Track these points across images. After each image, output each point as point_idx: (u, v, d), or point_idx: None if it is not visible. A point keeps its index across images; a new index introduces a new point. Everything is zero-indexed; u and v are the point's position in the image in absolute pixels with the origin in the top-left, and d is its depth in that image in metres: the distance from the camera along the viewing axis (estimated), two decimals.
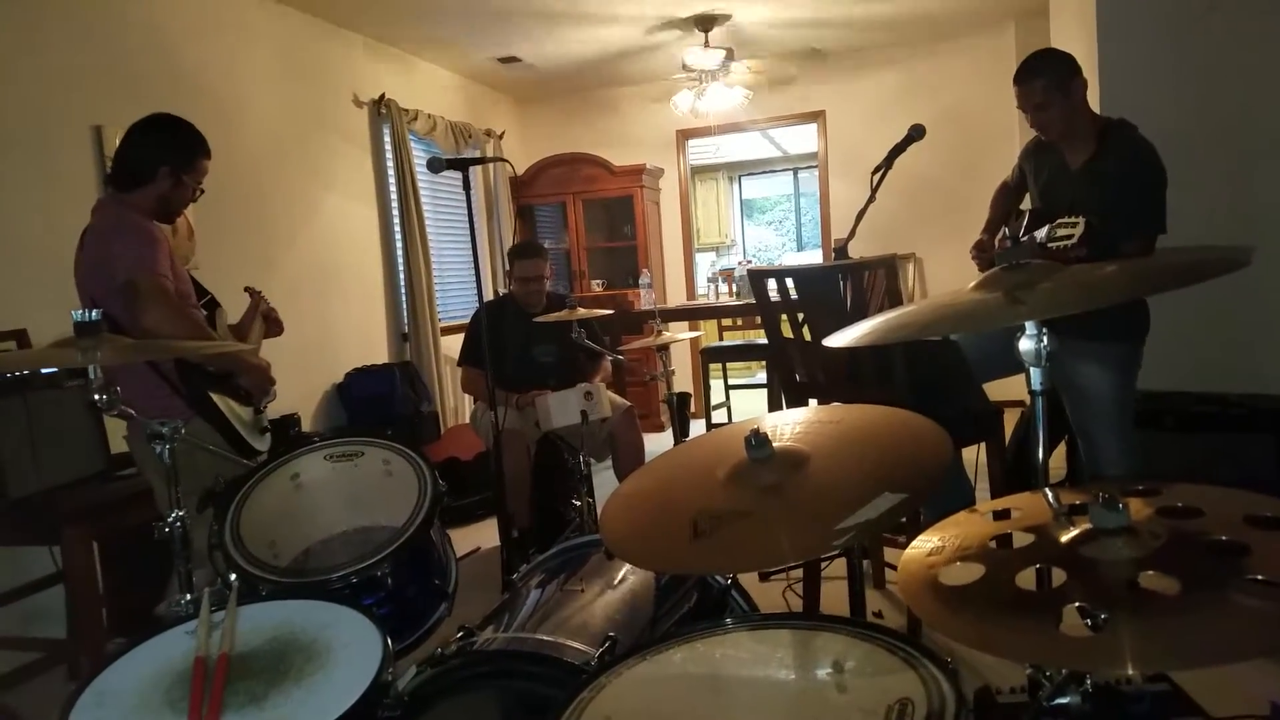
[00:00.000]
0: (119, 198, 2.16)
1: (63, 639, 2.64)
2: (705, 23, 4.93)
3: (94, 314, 1.42)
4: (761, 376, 6.05)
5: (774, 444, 1.21)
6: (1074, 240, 2.13)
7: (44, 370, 2.52)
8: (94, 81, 3.17)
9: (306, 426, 4.06)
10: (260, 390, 2.28)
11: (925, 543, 1.04)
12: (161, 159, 2.14)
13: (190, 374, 2.10)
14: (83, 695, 1.12)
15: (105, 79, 3.19)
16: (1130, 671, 0.78)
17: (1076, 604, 0.83)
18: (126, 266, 2.00)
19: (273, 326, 2.55)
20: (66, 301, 2.08)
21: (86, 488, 2.54)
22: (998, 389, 2.46)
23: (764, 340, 2.99)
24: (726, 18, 4.91)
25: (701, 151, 8.55)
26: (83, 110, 3.12)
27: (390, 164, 4.90)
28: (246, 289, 2.56)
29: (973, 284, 1.14)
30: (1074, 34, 3.63)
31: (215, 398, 2.11)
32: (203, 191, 2.28)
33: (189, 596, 1.44)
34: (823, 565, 2.58)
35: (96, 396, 1.45)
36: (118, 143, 2.25)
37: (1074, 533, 0.93)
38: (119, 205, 2.14)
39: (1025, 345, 1.08)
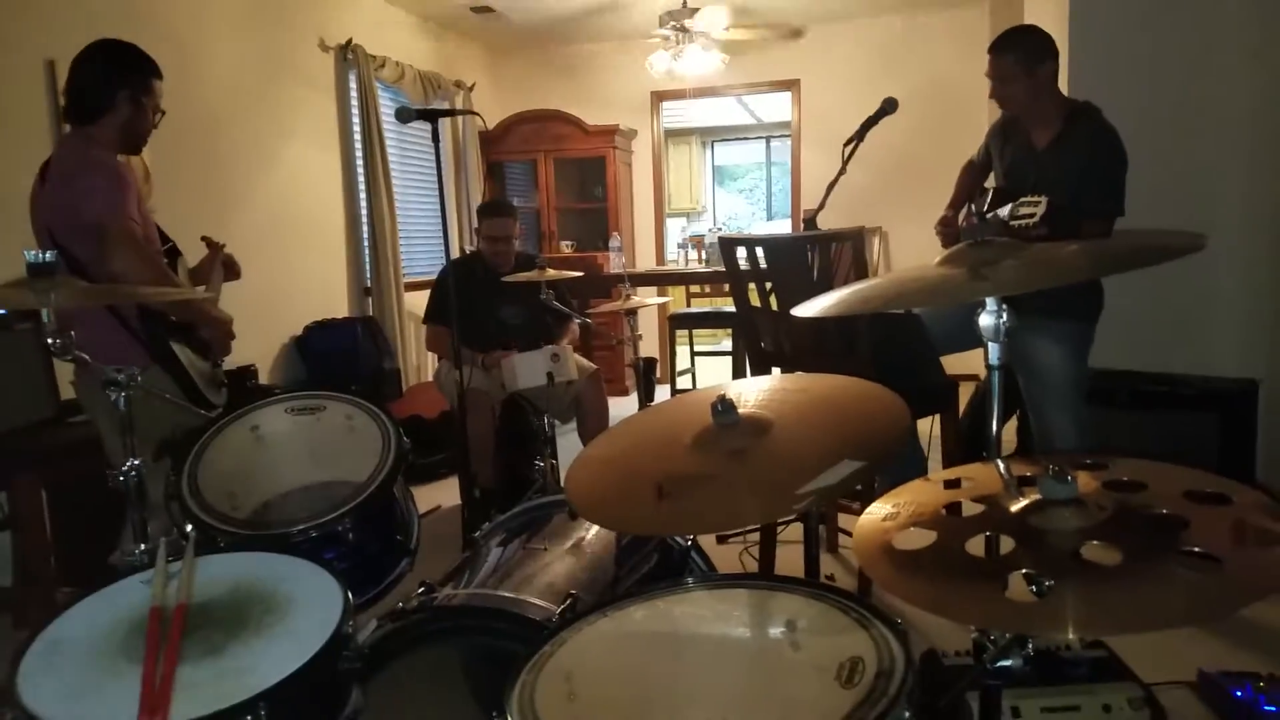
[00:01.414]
0: (84, 132, 2.08)
1: (8, 586, 2.60)
2: None
3: (49, 255, 1.38)
4: (727, 344, 6.09)
5: (740, 410, 1.23)
6: (1036, 219, 2.17)
7: None
8: (47, 13, 3.03)
9: (264, 379, 4.00)
10: (221, 344, 2.25)
11: (881, 508, 1.07)
12: (118, 84, 2.08)
13: (152, 322, 2.06)
14: (34, 644, 1.10)
15: (59, 11, 3.06)
16: (1071, 635, 0.82)
17: (1024, 571, 0.86)
18: (95, 208, 1.95)
19: (230, 271, 2.50)
20: (17, 241, 2.01)
21: (36, 433, 2.49)
22: (952, 363, 2.51)
23: (731, 308, 3.01)
24: None
25: (675, 115, 8.48)
26: (34, 44, 3.00)
27: (355, 112, 4.78)
28: (204, 239, 2.51)
29: (938, 259, 1.16)
30: (1047, 13, 3.65)
31: (175, 348, 2.07)
32: (163, 114, 2.21)
33: (144, 546, 1.42)
34: (779, 529, 2.63)
35: (50, 340, 1.41)
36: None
37: (1024, 503, 0.96)
38: (85, 141, 2.07)
39: (985, 321, 1.10)
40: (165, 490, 1.55)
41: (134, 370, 1.46)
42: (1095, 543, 0.89)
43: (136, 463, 1.47)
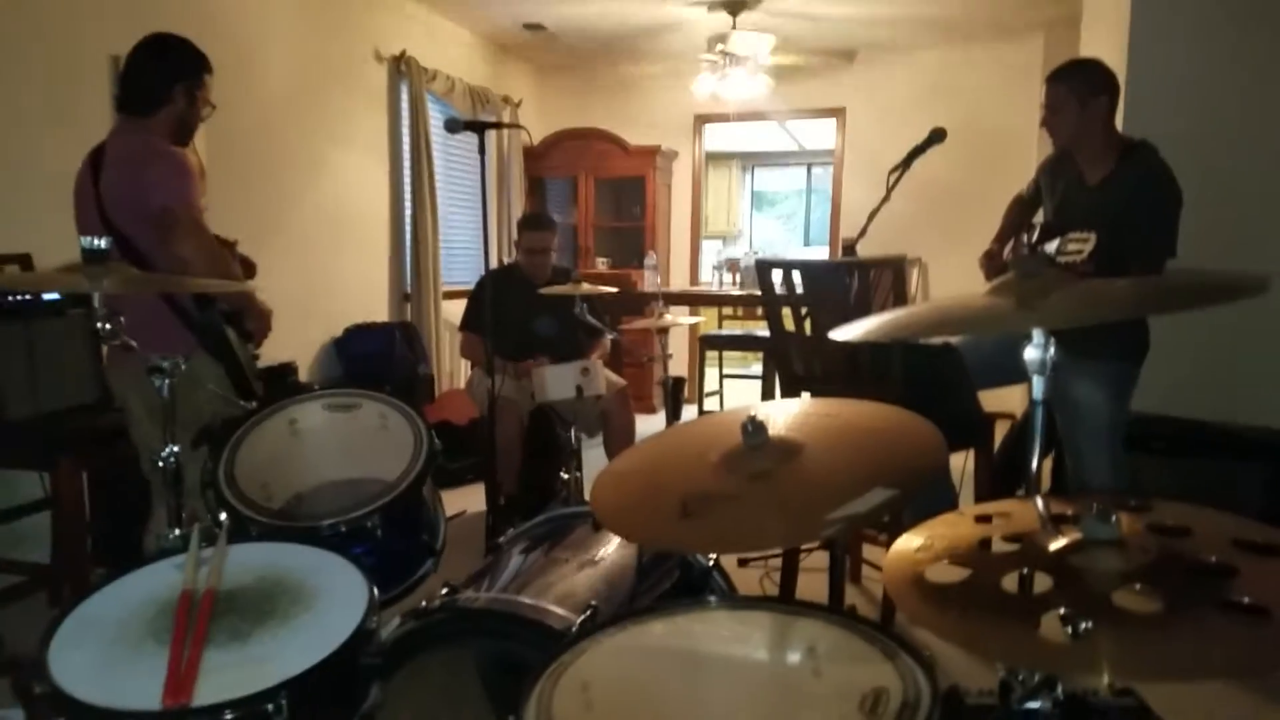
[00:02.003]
0: (139, 123, 2.13)
1: (46, 564, 2.65)
2: (733, 7, 4.89)
3: (102, 241, 1.41)
4: (756, 368, 6.06)
5: (769, 432, 1.22)
6: (1084, 255, 2.14)
7: (47, 297, 2.51)
8: (112, 13, 3.14)
9: (303, 377, 4.06)
10: (261, 334, 2.28)
11: (913, 540, 1.05)
12: (175, 78, 2.13)
13: (209, 308, 2.11)
14: (65, 620, 1.12)
15: (124, 10, 3.16)
16: (1106, 680, 0.80)
17: (1060, 611, 0.84)
18: (163, 196, 2.00)
19: (247, 270, 2.52)
20: (73, 229, 2.07)
21: (81, 416, 2.54)
22: (989, 399, 2.48)
23: (764, 331, 3.00)
24: (757, 3, 4.86)
25: (717, 138, 8.51)
26: (100, 40, 3.10)
27: (405, 122, 4.87)
28: (214, 237, 2.55)
29: (986, 289, 1.15)
30: (1104, 47, 3.61)
31: (230, 334, 2.12)
32: (213, 108, 2.27)
33: (178, 531, 1.44)
34: (802, 556, 2.60)
35: (100, 325, 1.44)
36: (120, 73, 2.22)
37: (1063, 542, 0.94)
38: (143, 131, 2.11)
39: (1030, 354, 1.08)
40: (201, 477, 1.57)
41: (178, 359, 1.48)
42: (1136, 587, 0.87)
43: (176, 449, 1.49)
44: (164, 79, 2.12)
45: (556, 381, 3.20)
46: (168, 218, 1.98)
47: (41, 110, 2.91)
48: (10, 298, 2.43)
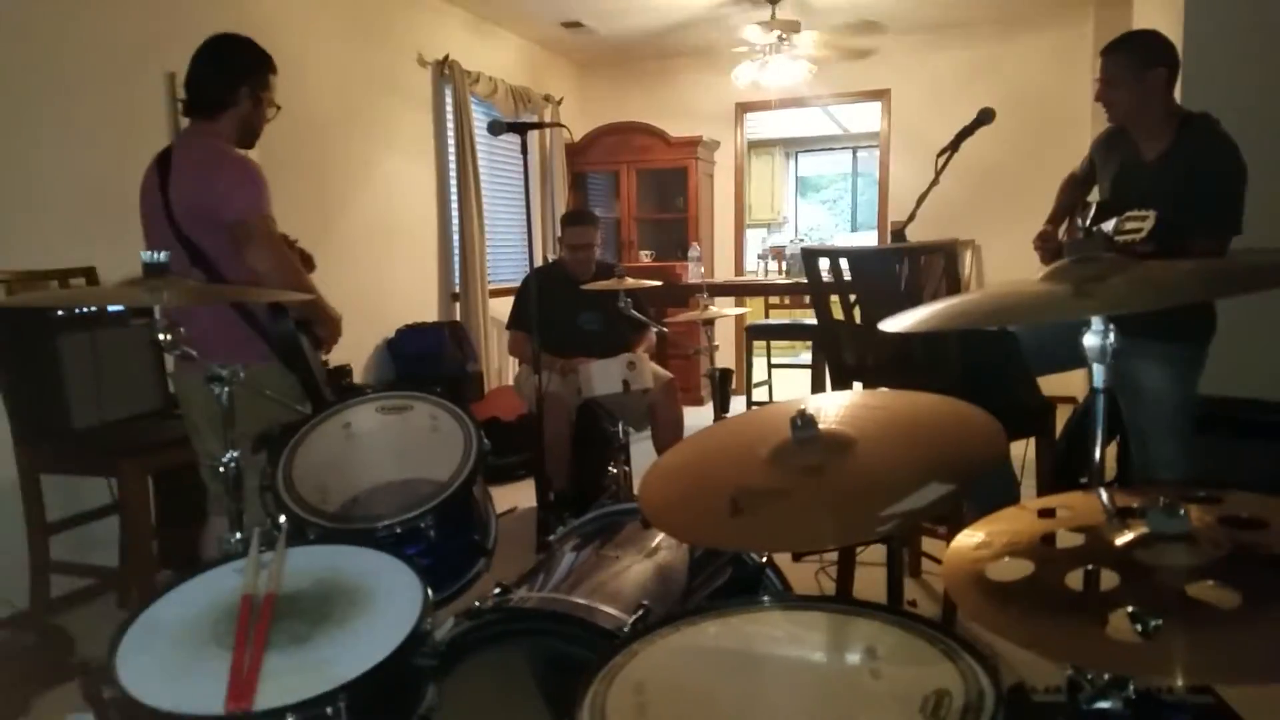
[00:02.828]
0: (205, 128, 2.10)
1: (115, 567, 2.74)
2: None
3: (162, 255, 1.45)
4: (805, 357, 5.99)
5: (820, 426, 1.20)
6: (1143, 234, 2.06)
7: (111, 308, 2.59)
8: (168, 29, 3.22)
9: (357, 379, 4.14)
10: (331, 340, 2.27)
11: (972, 536, 1.02)
12: (240, 80, 2.10)
13: (282, 318, 2.09)
14: (132, 626, 1.15)
15: (179, 27, 3.23)
16: (1180, 682, 0.77)
17: (1129, 609, 0.81)
18: (237, 205, 1.98)
19: (306, 265, 2.46)
20: (136, 242, 2.10)
21: (145, 423, 2.63)
22: (1049, 384, 2.40)
23: (811, 320, 2.95)
24: None
25: (759, 126, 8.43)
26: (156, 56, 3.19)
27: (450, 125, 4.92)
28: None
29: (1040, 274, 1.11)
30: (1159, 23, 3.47)
31: (303, 343, 2.11)
32: (278, 109, 2.24)
33: (239, 535, 1.48)
34: (859, 550, 2.56)
35: (161, 336, 1.48)
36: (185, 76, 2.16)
37: (1129, 536, 0.91)
38: (211, 137, 2.09)
39: (1090, 341, 1.05)
40: (261, 481, 1.60)
41: (237, 367, 1.51)
42: (1209, 583, 0.83)
43: (236, 454, 1.53)
44: (227, 80, 2.10)
45: (603, 376, 3.21)
46: (241, 231, 1.97)
47: (102, 127, 3.01)
48: (76, 310, 2.51)
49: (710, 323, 3.33)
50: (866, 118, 7.64)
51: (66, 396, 2.46)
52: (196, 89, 2.11)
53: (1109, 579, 0.88)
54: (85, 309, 2.52)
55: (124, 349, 2.61)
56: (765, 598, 1.20)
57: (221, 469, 1.49)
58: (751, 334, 5.34)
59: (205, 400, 1.75)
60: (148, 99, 3.18)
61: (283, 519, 1.48)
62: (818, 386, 4.37)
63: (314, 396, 2.11)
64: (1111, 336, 1.04)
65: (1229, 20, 3.07)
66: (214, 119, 2.10)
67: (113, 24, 3.05)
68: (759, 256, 6.71)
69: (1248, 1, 3.04)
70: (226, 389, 1.48)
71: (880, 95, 6.06)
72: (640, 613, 1.30)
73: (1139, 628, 0.78)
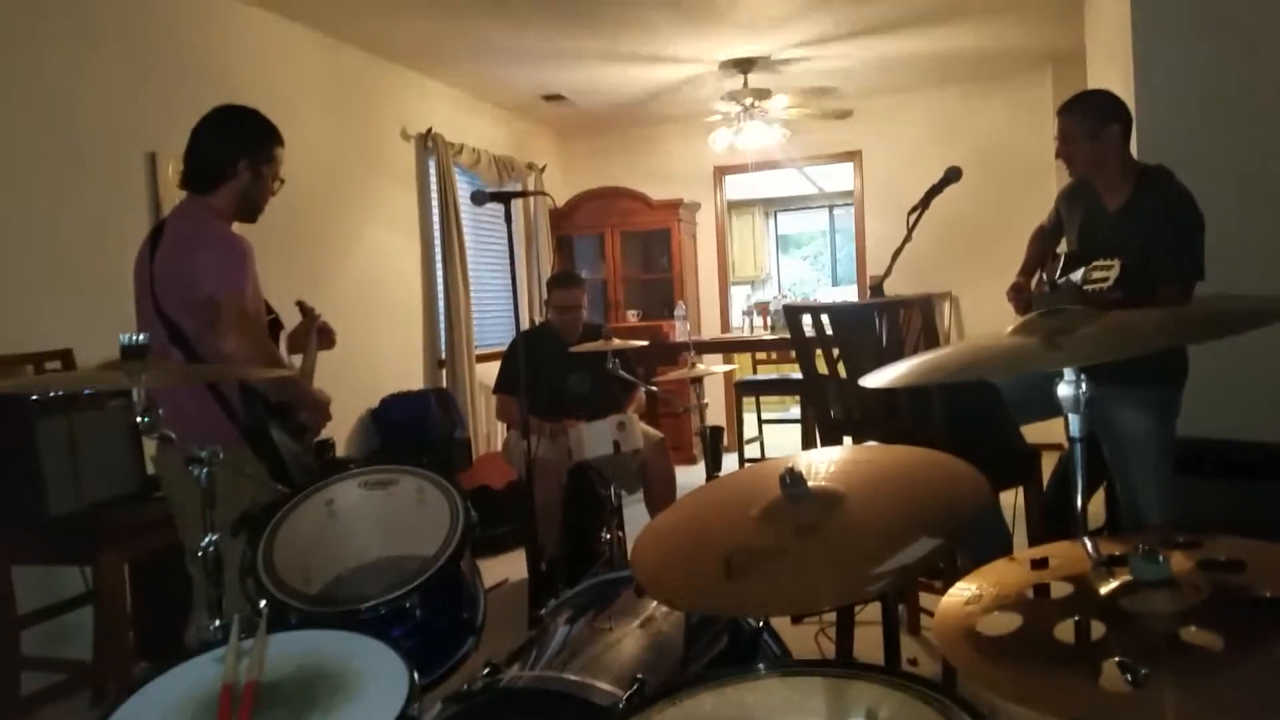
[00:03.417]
0: (201, 201, 2.04)
1: (88, 661, 2.64)
2: (745, 65, 4.98)
3: (141, 337, 1.44)
4: (795, 411, 6.00)
5: (809, 483, 1.20)
6: (1109, 282, 2.10)
7: (87, 390, 2.55)
8: (149, 109, 3.27)
9: (341, 451, 4.11)
10: (317, 426, 2.19)
11: (963, 591, 1.01)
12: (238, 153, 2.03)
13: (252, 402, 2.01)
14: (111, 718, 1.12)
15: (160, 107, 3.29)
16: None
17: (1116, 659, 0.80)
18: (212, 282, 1.91)
19: (325, 339, 2.44)
20: (113, 323, 2.06)
21: (123, 507, 2.55)
22: (1035, 432, 2.42)
23: (798, 374, 2.97)
24: (765, 60, 4.96)
25: (738, 186, 8.59)
26: (136, 137, 3.22)
27: (434, 195, 5.00)
28: (298, 303, 2.47)
29: (1011, 328, 1.13)
30: (1112, 77, 3.60)
31: (274, 432, 2.02)
32: (283, 182, 2.18)
33: (218, 622, 1.44)
34: (857, 610, 2.53)
35: (140, 419, 1.46)
36: (184, 148, 2.09)
37: (1114, 584, 0.91)
38: (202, 209, 2.03)
39: (1063, 391, 1.06)
40: (241, 565, 1.57)
41: (217, 447, 1.50)
42: (1193, 628, 0.83)
43: (215, 538, 1.50)
44: (226, 153, 2.02)
45: (593, 438, 3.20)
46: (211, 309, 1.90)
47: (80, 208, 3.02)
48: (52, 393, 2.46)
49: (699, 380, 3.34)
50: (841, 177, 7.81)
51: (43, 483, 2.40)
52: (194, 162, 2.05)
53: (1097, 629, 0.87)
54: (61, 392, 2.48)
55: (101, 431, 2.55)
56: (761, 665, 1.17)
57: (200, 553, 1.46)
58: (741, 390, 5.36)
59: (189, 487, 1.71)
60: (127, 179, 3.20)
61: (263, 603, 1.45)
62: (808, 439, 4.36)
63: (284, 484, 1.99)
64: (1084, 386, 1.06)
65: (1178, 75, 3.18)
66: (210, 192, 2.04)
67: (92, 104, 3.08)
68: (744, 313, 6.77)
69: (1195, 58, 3.16)
70: (206, 470, 1.46)
71: (852, 156, 6.21)
72: (635, 687, 1.28)
73: (1129, 677, 0.78)
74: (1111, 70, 3.65)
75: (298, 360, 2.36)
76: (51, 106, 2.95)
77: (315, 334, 2.38)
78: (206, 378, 1.94)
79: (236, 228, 2.13)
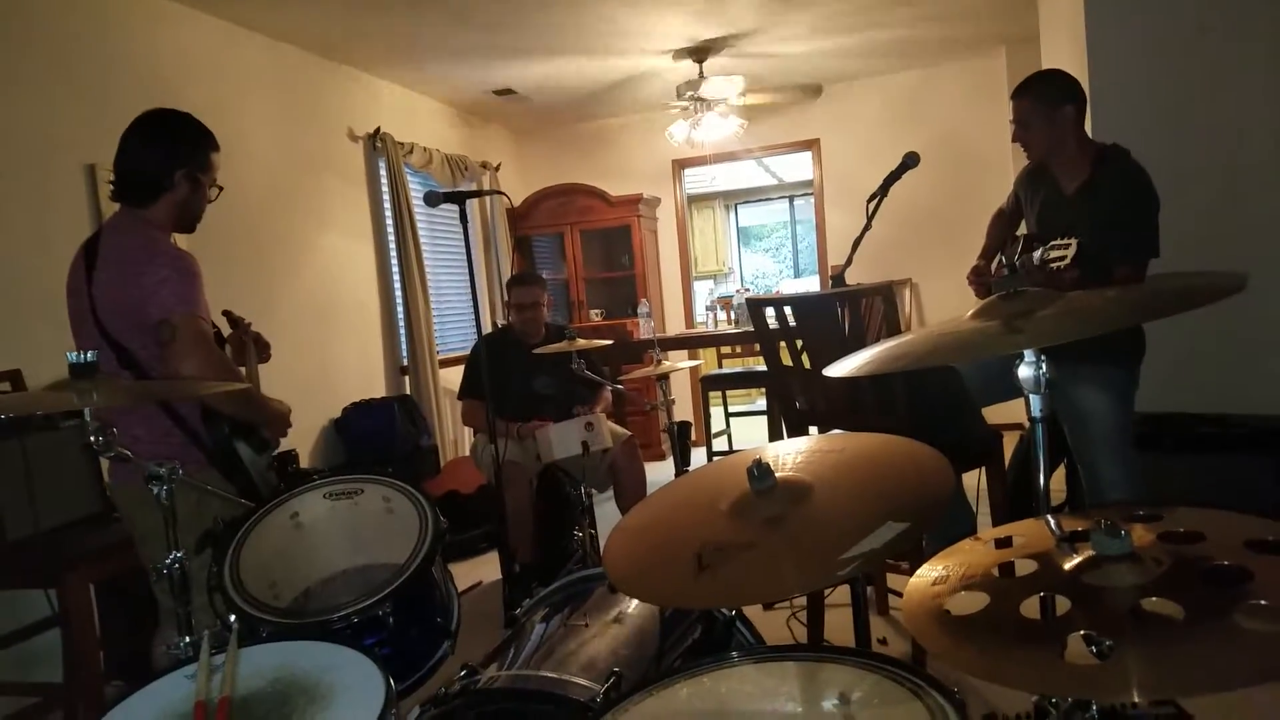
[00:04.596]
0: (138, 215, 1.91)
1: (59, 683, 2.58)
2: (699, 53, 4.99)
3: (89, 355, 1.40)
4: (762, 403, 6.05)
5: (776, 474, 1.21)
6: (1067, 261, 2.15)
7: (38, 412, 2.49)
8: (87, 120, 3.17)
9: (305, 463, 4.05)
10: (277, 437, 2.11)
11: (930, 572, 1.03)
12: (174, 163, 1.90)
13: (215, 423, 1.91)
14: None
15: (98, 117, 3.19)
16: (1137, 699, 0.78)
17: (1082, 632, 0.82)
18: (165, 304, 1.80)
19: (262, 350, 2.30)
20: (62, 342, 1.93)
21: (84, 529, 2.51)
22: (996, 413, 2.46)
23: (764, 367, 3.00)
24: (720, 48, 4.97)
25: (698, 180, 8.62)
26: (76, 149, 3.13)
27: (386, 198, 4.94)
28: (225, 313, 2.32)
29: (970, 312, 1.15)
30: (1065, 59, 3.68)
31: (239, 447, 1.95)
32: (220, 189, 2.06)
33: (188, 639, 1.42)
34: (826, 593, 2.56)
35: (93, 439, 1.43)
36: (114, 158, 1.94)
37: (1077, 560, 0.93)
38: (142, 225, 1.90)
39: (1024, 373, 1.08)
40: (208, 581, 1.55)
41: (174, 464, 1.47)
42: (1154, 599, 0.85)
43: (180, 555, 1.48)
44: (161, 164, 1.89)
45: (561, 439, 3.19)
46: (166, 331, 1.79)
47: (21, 223, 2.93)
48: (2, 417, 2.39)
49: (665, 377, 3.35)
50: (800, 168, 7.88)
51: None
52: (127, 175, 1.91)
53: (1062, 604, 0.89)
54: (11, 415, 2.41)
55: (56, 453, 2.49)
56: (735, 654, 1.19)
57: (165, 571, 1.43)
58: (706, 385, 5.38)
59: (148, 507, 1.62)
60: (66, 193, 3.12)
61: (233, 619, 1.43)
62: (775, 431, 4.40)
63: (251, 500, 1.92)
64: (1044, 368, 1.08)
65: (1131, 53, 3.26)
66: (146, 205, 1.91)
67: (24, 116, 2.99)
68: (707, 308, 6.80)
69: (1145, 39, 3.24)
70: (165, 487, 1.43)
71: (810, 145, 6.27)
72: (611, 680, 1.28)
73: (1094, 650, 0.80)
74: (1065, 50, 3.72)
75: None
76: None
77: (251, 346, 2.27)
78: (160, 396, 1.87)
79: (182, 242, 2.05)
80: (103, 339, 1.86)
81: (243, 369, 2.24)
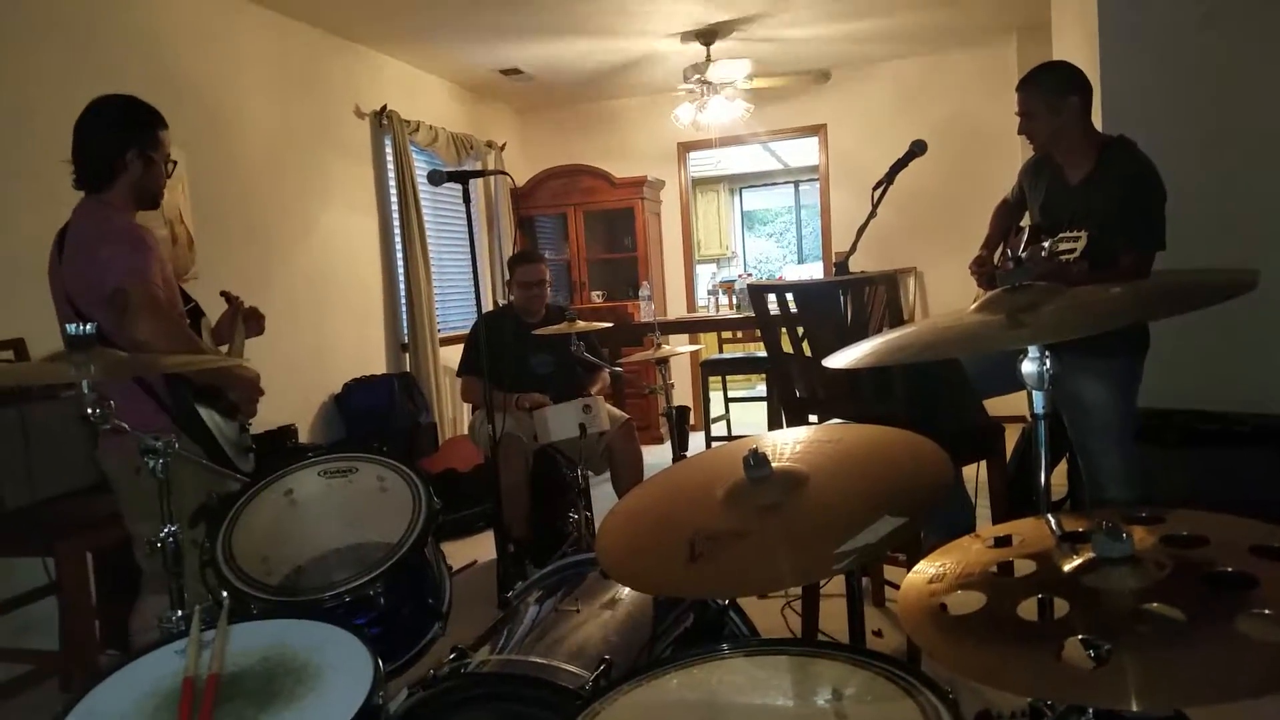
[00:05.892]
0: (99, 198, 2.02)
1: (54, 651, 2.61)
2: (706, 36, 4.93)
3: (88, 327, 1.40)
4: (761, 389, 6.04)
5: (773, 463, 1.20)
6: (1076, 254, 2.13)
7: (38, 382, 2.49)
8: (90, 92, 3.13)
9: (304, 438, 4.04)
10: (249, 403, 2.17)
11: (927, 569, 1.02)
12: (125, 144, 2.01)
13: (177, 388, 1.99)
14: (69, 717, 1.09)
15: (101, 89, 3.15)
16: (1134, 707, 0.77)
17: (1080, 636, 0.81)
18: (117, 274, 1.89)
19: (253, 325, 2.41)
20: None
21: (81, 499, 2.52)
22: (998, 405, 2.45)
23: (764, 353, 2.98)
24: (728, 31, 4.92)
25: (702, 164, 8.57)
26: (75, 114, 3.10)
27: (391, 175, 4.91)
28: (223, 293, 2.44)
29: (975, 305, 1.13)
30: (1076, 48, 3.63)
31: (202, 412, 2.01)
32: (174, 163, 2.16)
33: (179, 613, 1.42)
34: (822, 583, 2.55)
35: (89, 411, 1.42)
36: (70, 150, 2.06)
37: (1077, 561, 0.91)
38: (102, 206, 2.01)
39: (1028, 368, 1.07)
40: (200, 557, 1.54)
41: (170, 438, 1.46)
42: (1155, 604, 0.84)
43: (174, 529, 1.47)
44: (112, 146, 2.00)
45: (559, 421, 3.18)
46: (120, 299, 1.87)
47: (23, 193, 2.91)
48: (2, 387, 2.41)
49: (665, 361, 3.33)
50: (805, 153, 7.82)
51: None
52: (83, 161, 2.03)
53: (1060, 606, 0.88)
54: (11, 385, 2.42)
55: (55, 422, 2.50)
56: (726, 645, 1.18)
57: (159, 544, 1.42)
58: (706, 369, 5.37)
59: (131, 478, 1.69)
60: (67, 161, 3.09)
61: (225, 595, 1.42)
62: (774, 418, 4.39)
63: (221, 465, 1.99)
64: (1048, 363, 1.07)
65: (1143, 44, 3.22)
66: (106, 189, 2.02)
67: (33, 86, 2.96)
68: (709, 292, 6.77)
69: (1159, 27, 3.20)
70: (161, 460, 1.42)
71: (816, 130, 6.21)
72: (602, 668, 1.28)
73: (1091, 654, 0.79)
74: (1076, 39, 3.68)
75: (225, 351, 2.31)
76: None
77: (240, 322, 2.36)
78: (152, 368, 1.87)
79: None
80: (77, 318, 1.91)
81: (226, 345, 2.32)
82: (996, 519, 2.38)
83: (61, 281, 2.00)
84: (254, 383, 2.17)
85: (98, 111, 2.06)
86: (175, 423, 1.97)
